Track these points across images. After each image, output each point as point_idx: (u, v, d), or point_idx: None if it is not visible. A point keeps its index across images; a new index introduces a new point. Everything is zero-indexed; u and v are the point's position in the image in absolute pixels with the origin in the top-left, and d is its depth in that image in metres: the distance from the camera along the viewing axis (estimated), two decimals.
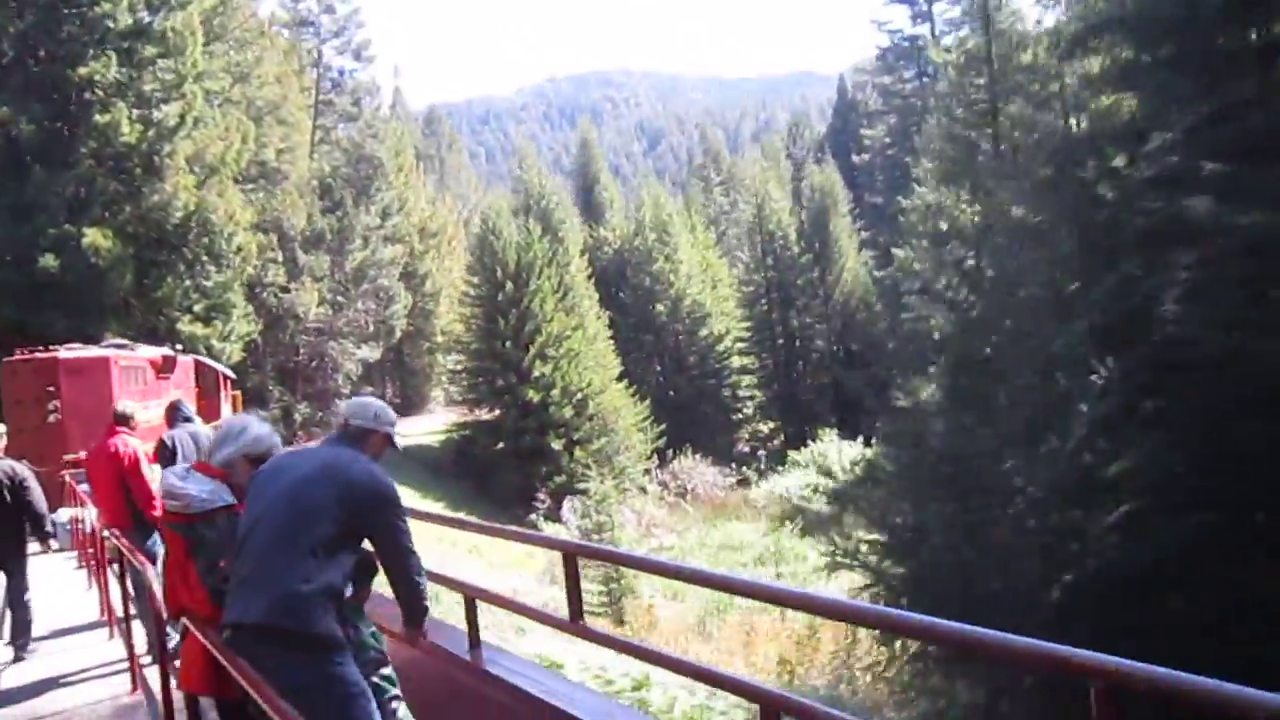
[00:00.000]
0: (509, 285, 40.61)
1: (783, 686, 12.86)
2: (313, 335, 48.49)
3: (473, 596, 5.58)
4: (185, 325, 35.71)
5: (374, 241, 50.52)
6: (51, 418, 16.15)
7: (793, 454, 46.47)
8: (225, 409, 26.36)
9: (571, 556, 4.88)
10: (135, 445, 7.76)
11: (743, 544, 36.49)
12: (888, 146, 79.74)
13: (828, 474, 44.04)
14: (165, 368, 21.55)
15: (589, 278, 46.12)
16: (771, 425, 53.52)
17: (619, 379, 44.03)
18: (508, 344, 40.20)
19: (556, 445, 39.87)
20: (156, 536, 6.96)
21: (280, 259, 43.25)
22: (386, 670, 4.21)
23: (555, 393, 40.05)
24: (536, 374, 40.08)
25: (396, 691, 4.23)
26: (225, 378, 28.30)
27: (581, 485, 39.76)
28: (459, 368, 45.30)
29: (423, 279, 58.57)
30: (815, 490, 42.79)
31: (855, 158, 74.41)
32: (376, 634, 4.27)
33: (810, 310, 53.86)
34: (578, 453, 40.10)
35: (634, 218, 54.81)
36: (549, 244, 43.23)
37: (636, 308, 50.54)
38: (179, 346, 25.41)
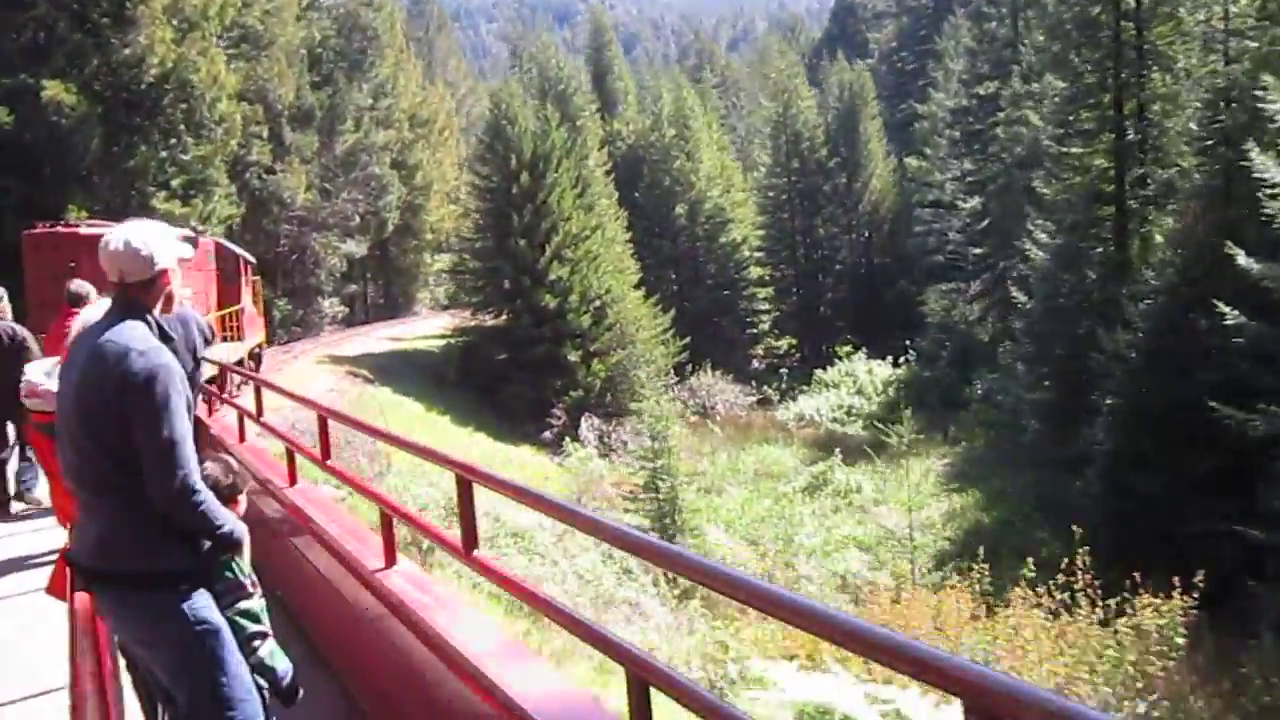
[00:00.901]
0: (524, 177, 36.28)
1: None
2: (295, 226, 44.00)
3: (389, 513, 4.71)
4: (160, 202, 31.38)
5: (366, 124, 45.74)
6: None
7: (819, 373, 43.09)
8: (245, 294, 25.34)
9: (466, 482, 3.86)
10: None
11: (781, 470, 33.20)
12: (895, 51, 75.44)
13: (860, 393, 40.77)
14: None
15: (606, 173, 41.66)
16: (789, 342, 50.04)
17: (637, 287, 40.04)
18: (521, 242, 36.00)
19: (573, 357, 36.08)
20: None
21: (265, 136, 38.50)
22: (247, 604, 3.46)
23: (573, 298, 36.12)
24: (553, 277, 36.06)
25: (260, 628, 3.49)
26: (245, 262, 26.54)
27: (595, 400, 36.50)
28: (461, 268, 40.99)
29: (412, 170, 53.75)
30: (848, 413, 39.53)
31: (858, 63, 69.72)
32: (234, 562, 3.43)
33: (836, 220, 49.83)
34: (595, 365, 36.38)
35: (650, 111, 50.10)
36: (567, 133, 38.75)
37: (652, 209, 46.35)
38: (200, 227, 23.95)
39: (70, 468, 3.16)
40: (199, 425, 8.73)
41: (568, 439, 34.27)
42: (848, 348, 46.80)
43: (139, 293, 3.18)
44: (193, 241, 16.79)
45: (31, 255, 16.83)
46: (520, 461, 32.16)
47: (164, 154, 32.35)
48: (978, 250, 43.69)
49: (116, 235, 3.21)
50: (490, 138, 38.66)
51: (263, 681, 3.40)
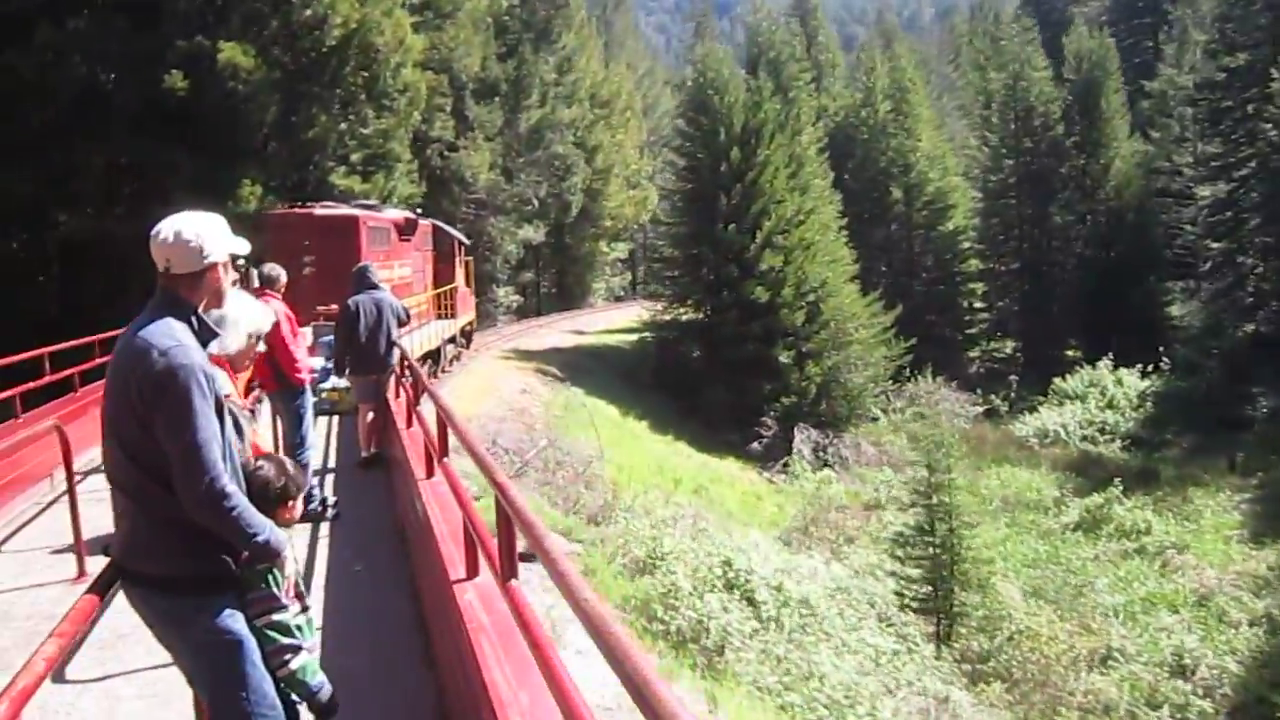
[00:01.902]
0: (734, 153, 31.97)
1: None
2: (473, 209, 40.87)
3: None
4: (340, 178, 28.45)
5: (551, 99, 42.28)
6: (306, 270, 16.38)
7: (1058, 382, 37.33)
8: (459, 273, 26.06)
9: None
10: (278, 307, 7.74)
11: (1036, 499, 27.94)
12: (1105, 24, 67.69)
13: (1111, 407, 34.92)
14: (407, 230, 21.14)
15: (819, 151, 36.87)
16: (1011, 346, 44.24)
17: (852, 280, 35.22)
18: (730, 227, 31.70)
19: (785, 358, 31.63)
20: (305, 398, 8.11)
21: (448, 110, 35.34)
22: (279, 616, 3.23)
23: (786, 291, 31.62)
24: (764, 267, 31.64)
25: (291, 641, 3.24)
26: (460, 243, 27.32)
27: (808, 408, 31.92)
28: (656, 256, 36.95)
29: (593, 153, 50.00)
30: (1101, 430, 33.76)
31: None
32: (272, 572, 3.20)
33: (1071, 206, 43.58)
34: (810, 368, 31.81)
35: (861, 84, 44.89)
36: (780, 105, 34.21)
37: (863, 192, 41.29)
38: (419, 210, 23.60)
39: (105, 462, 3.08)
40: (386, 409, 9.33)
41: (787, 455, 29.90)
42: (1076, 352, 40.97)
43: (183, 287, 3.05)
44: (413, 224, 20.40)
45: (275, 234, 17.40)
46: (727, 476, 28.02)
47: (343, 126, 29.43)
48: (1217, 244, 37.48)
49: (168, 225, 3.11)
50: (694, 110, 34.49)
51: (295, 697, 3.30)
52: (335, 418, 12.55)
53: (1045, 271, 43.40)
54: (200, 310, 3.08)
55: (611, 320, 45.12)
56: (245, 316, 3.91)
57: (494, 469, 3.84)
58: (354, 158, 29.69)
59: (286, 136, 28.60)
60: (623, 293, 66.35)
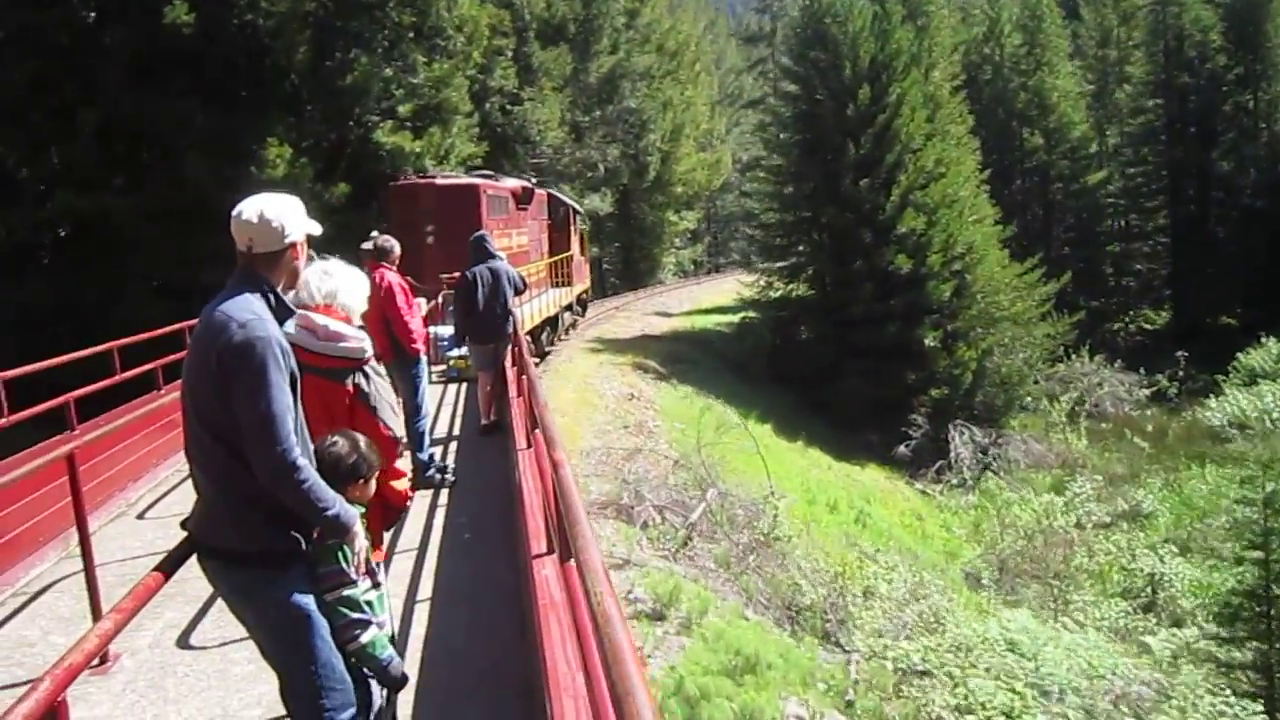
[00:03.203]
0: (863, 92, 26.09)
1: None
2: (532, 175, 35.34)
3: None
4: (385, 135, 23.12)
5: (624, 45, 36.51)
6: (429, 239, 16.79)
7: (1242, 357, 31.21)
8: (574, 242, 25.73)
9: None
10: (393, 279, 8.01)
11: None
12: None
13: None
14: (524, 199, 20.78)
15: (954, 90, 30.68)
16: (1164, 314, 37.98)
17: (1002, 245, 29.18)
18: (862, 183, 25.86)
19: (931, 340, 25.82)
20: (421, 367, 8.21)
21: (510, 54, 29.78)
22: (349, 591, 3.26)
23: (933, 259, 25.76)
24: (903, 229, 25.81)
25: (360, 616, 3.29)
26: (574, 212, 26.85)
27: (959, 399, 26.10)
28: (757, 221, 31.13)
29: (661, 110, 43.97)
30: None
31: None
32: (342, 548, 3.24)
33: (1238, 150, 37.01)
34: (962, 352, 25.99)
35: (984, 14, 38.51)
36: (912, 34, 28.18)
37: (995, 141, 34.98)
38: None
39: (185, 440, 3.12)
40: (502, 377, 9.43)
41: (942, 460, 24.26)
42: (1233, 321, 34.76)
43: (263, 265, 3.11)
44: (530, 192, 21.17)
45: (395, 203, 17.84)
46: (879, 491, 22.43)
47: (389, 71, 24.01)
48: None
49: (251, 205, 3.14)
50: (805, 44, 28.58)
51: (367, 670, 3.34)
52: (463, 384, 12.90)
53: (1205, 228, 36.93)
54: (279, 289, 3.13)
55: (696, 298, 39.53)
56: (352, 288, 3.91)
57: (553, 445, 3.95)
58: (402, 110, 24.27)
59: (320, 85, 23.22)
60: (692, 267, 60.73)
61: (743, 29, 73.84)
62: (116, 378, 9.82)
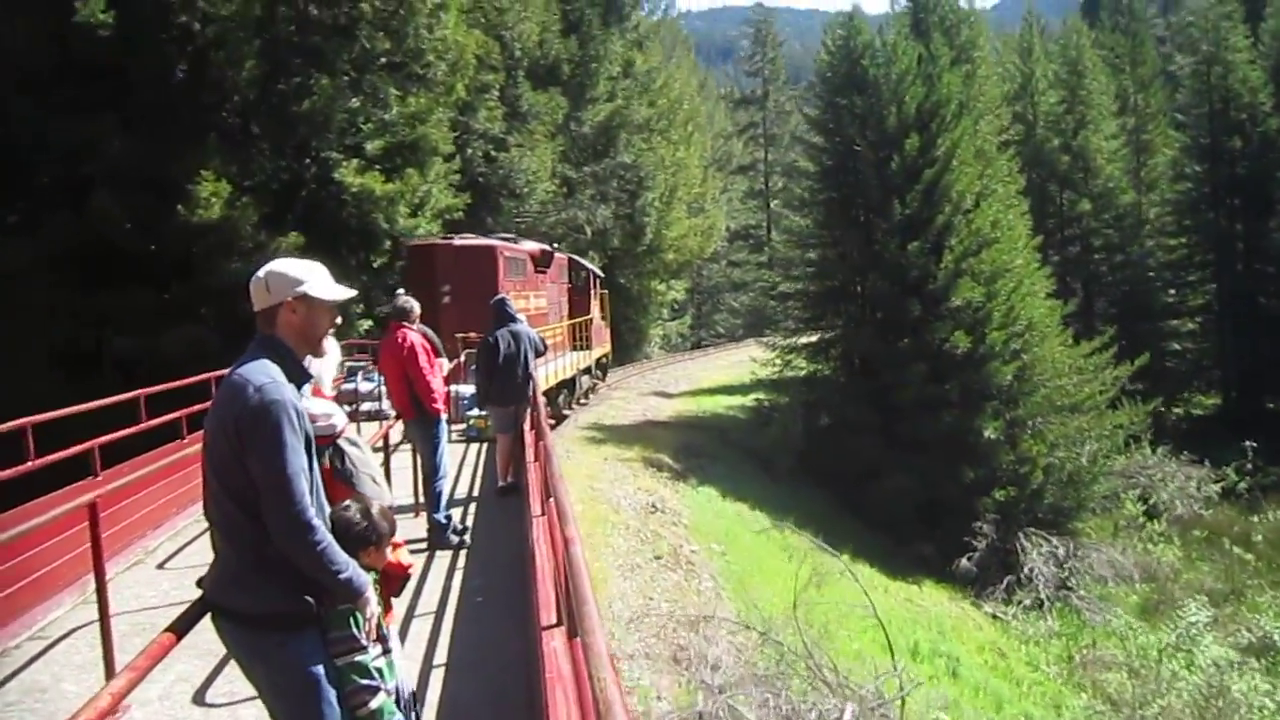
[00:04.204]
0: (911, 142, 22.38)
1: None
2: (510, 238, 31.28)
3: None
4: (349, 175, 18.78)
5: (623, 93, 32.78)
6: (445, 300, 16.80)
7: None
8: (594, 306, 25.23)
9: None
10: (414, 339, 8.11)
11: None
12: None
13: None
14: (542, 261, 20.77)
15: (1003, 146, 27.04)
16: (1214, 398, 34.28)
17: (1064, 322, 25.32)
18: (911, 246, 22.01)
19: (991, 432, 21.78)
20: (441, 427, 8.37)
21: (497, 93, 25.90)
22: (360, 657, 3.26)
23: (994, 336, 21.85)
24: (957, 302, 21.93)
25: (369, 682, 3.28)
26: (595, 276, 26.49)
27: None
28: (780, 289, 27.14)
29: (657, 167, 40.12)
30: None
31: None
32: (355, 613, 3.24)
33: None
34: (1029, 445, 22.00)
35: (1019, 69, 35.09)
36: (963, 81, 24.62)
37: (1037, 206, 31.33)
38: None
39: (204, 499, 3.20)
40: (520, 440, 9.39)
41: (1011, 576, 20.13)
42: None
43: (262, 324, 3.22)
44: (549, 255, 21.63)
45: (412, 263, 18.22)
46: (944, 617, 18.32)
47: (355, 101, 19.99)
48: None
49: (264, 266, 3.28)
50: (836, 90, 24.91)
51: None
52: (483, 444, 13.30)
53: (1256, 303, 33.38)
54: (296, 355, 3.21)
55: (693, 376, 35.38)
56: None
57: (565, 520, 4.06)
58: (371, 147, 20.19)
59: (271, 110, 19.15)
60: (679, 340, 56.67)
61: (731, 92, 71.02)
62: (142, 425, 9.70)
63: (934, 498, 21.60)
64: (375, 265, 21.09)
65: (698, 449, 21.79)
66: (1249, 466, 28.75)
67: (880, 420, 22.46)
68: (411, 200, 20.55)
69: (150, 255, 17.78)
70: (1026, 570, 20.56)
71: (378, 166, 19.85)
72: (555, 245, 23.71)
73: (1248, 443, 28.99)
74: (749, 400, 27.93)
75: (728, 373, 37.01)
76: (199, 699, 5.13)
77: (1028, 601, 20.24)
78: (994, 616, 19.85)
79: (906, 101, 22.88)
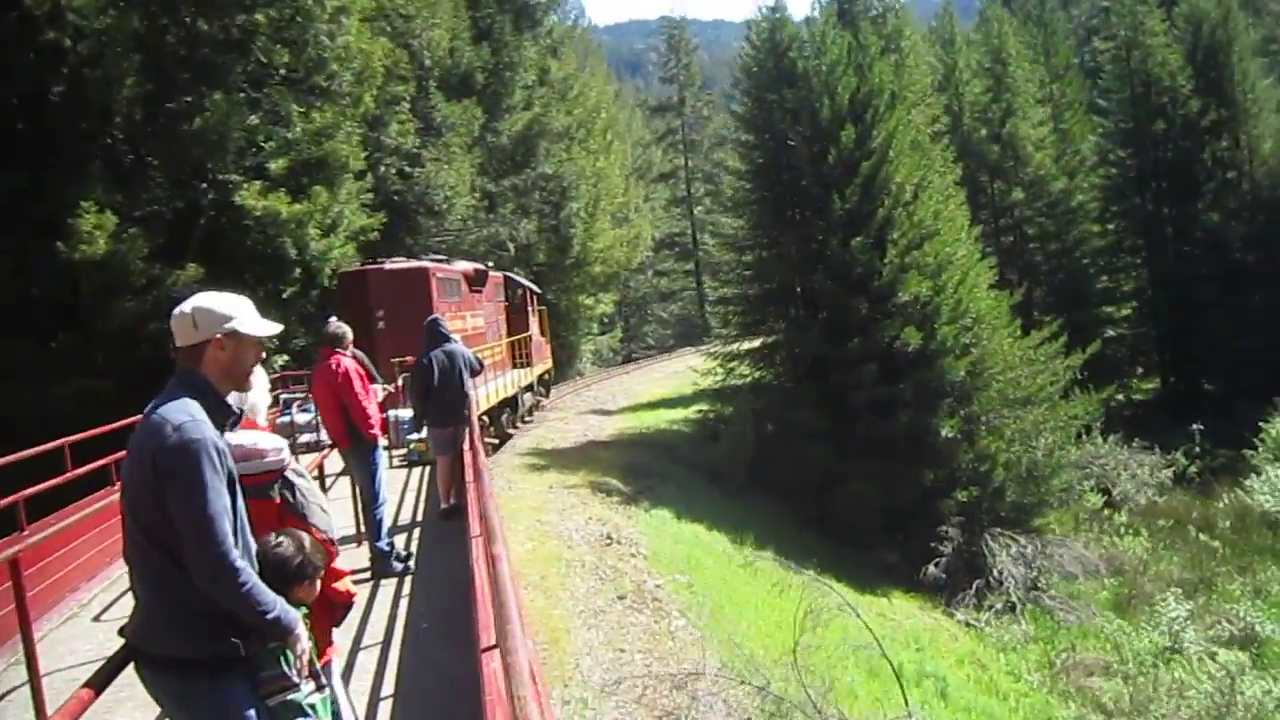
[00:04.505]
0: (847, 133, 21.51)
1: None
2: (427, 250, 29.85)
3: None
4: (249, 197, 17.16)
5: (539, 101, 31.47)
6: (380, 325, 16.75)
7: (1271, 427, 27.23)
8: (533, 323, 25.68)
9: None
10: (348, 365, 8.00)
11: None
12: None
13: None
14: (477, 281, 20.75)
15: (937, 136, 26.31)
16: (1150, 382, 34.09)
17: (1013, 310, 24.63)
18: (854, 242, 21.09)
19: (949, 430, 20.92)
20: (378, 454, 8.26)
21: (408, 106, 24.48)
22: (293, 695, 3.17)
23: (944, 332, 21.02)
24: (905, 298, 21.08)
25: None
26: (532, 293, 26.58)
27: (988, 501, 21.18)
28: (721, 293, 26.02)
29: (575, 180, 38.81)
30: None
31: None
32: (285, 652, 3.16)
33: (1222, 202, 33.61)
34: (987, 443, 21.20)
35: (941, 61, 34.57)
36: (893, 71, 23.84)
37: (972, 194, 30.68)
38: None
39: (124, 544, 3.10)
40: (460, 460, 9.19)
41: (979, 579, 19.28)
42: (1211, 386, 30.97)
43: (186, 359, 3.13)
44: (483, 274, 21.47)
45: (344, 290, 17.96)
46: (919, 630, 17.43)
47: (254, 118, 18.42)
48: None
49: (185, 302, 3.18)
50: (763, 84, 23.97)
51: None
52: (426, 468, 12.95)
53: (1189, 287, 33.21)
54: (219, 392, 3.11)
55: (631, 391, 34.10)
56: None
57: (493, 539, 4.21)
58: (274, 166, 18.60)
59: (158, 131, 17.50)
60: (611, 354, 55.34)
61: (647, 101, 70.16)
62: (68, 475, 9.41)
63: (895, 503, 20.65)
64: (285, 295, 19.51)
65: (646, 468, 20.52)
66: (1197, 450, 28.49)
67: (832, 425, 21.44)
68: (322, 222, 19.04)
69: (30, 301, 16.05)
70: (996, 572, 19.74)
71: (283, 188, 18.29)
72: (489, 265, 23.59)
73: (1195, 426, 28.73)
74: (691, 413, 26.76)
75: (664, 385, 35.85)
76: None
77: (999, 605, 19.39)
78: (967, 624, 18.97)
79: (839, 92, 21.99)
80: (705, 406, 25.89)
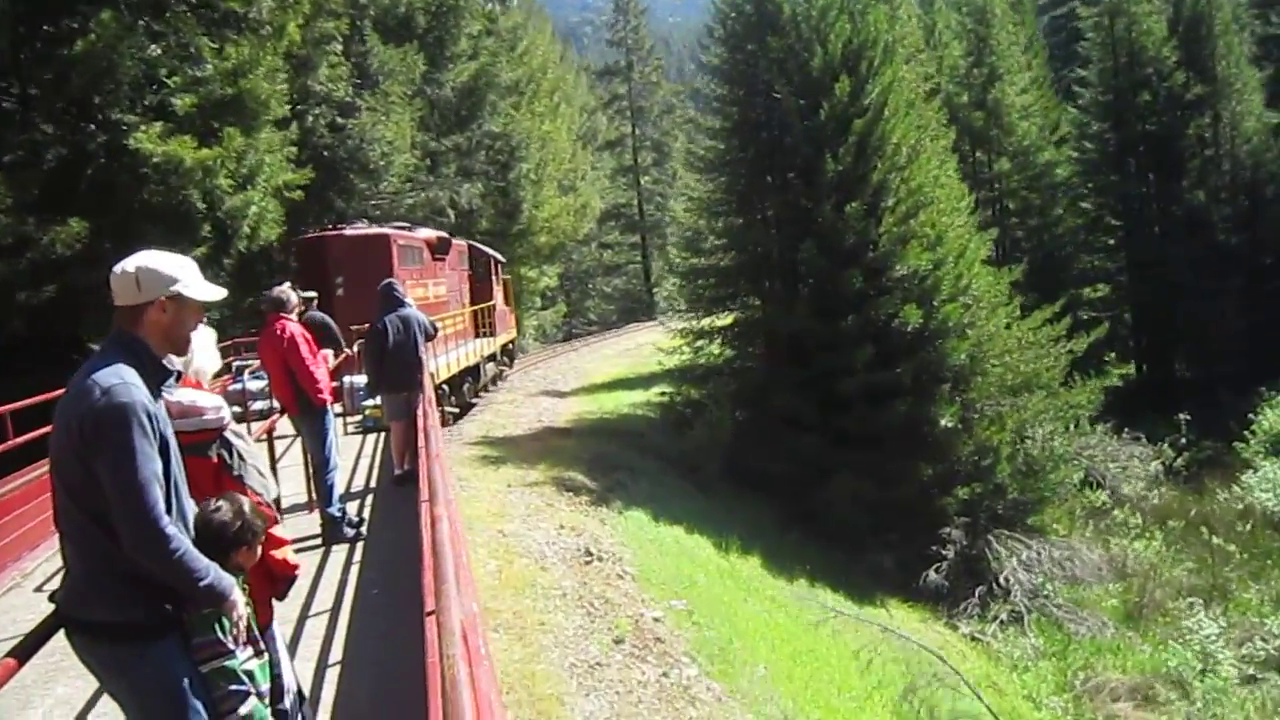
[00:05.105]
0: (842, 85, 19.18)
1: None
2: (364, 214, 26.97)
3: None
4: (148, 142, 14.14)
5: (486, 51, 28.60)
6: (339, 291, 16.64)
7: (1262, 418, 25.80)
8: (497, 292, 25.27)
9: None
10: (294, 329, 7.87)
11: None
12: None
13: None
14: (440, 249, 20.51)
15: (929, 96, 24.07)
16: (1124, 368, 32.58)
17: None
18: (849, 207, 18.79)
19: (948, 420, 18.80)
20: (328, 419, 8.07)
21: (340, 48, 21.55)
22: (228, 662, 3.09)
23: (943, 312, 18.86)
24: (902, 271, 18.87)
25: (239, 687, 3.11)
26: (496, 262, 26.23)
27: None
28: (686, 264, 23.49)
29: (524, 140, 35.86)
30: None
31: None
32: (220, 618, 3.07)
33: (1205, 180, 32.00)
34: (989, 433, 19.14)
35: (921, 21, 32.40)
36: (888, 21, 21.54)
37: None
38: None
39: (53, 511, 3.00)
40: (414, 426, 8.90)
41: (983, 585, 17.27)
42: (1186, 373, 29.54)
43: (125, 321, 3.00)
44: (446, 242, 21.26)
45: (301, 258, 18.24)
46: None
47: (154, 47, 15.47)
48: None
49: (127, 260, 3.04)
50: (742, 35, 21.52)
51: None
52: (381, 434, 12.54)
53: (1170, 269, 31.63)
54: (156, 355, 3.00)
55: (583, 371, 31.59)
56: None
57: (434, 500, 4.17)
58: (177, 103, 15.60)
59: (34, 60, 14.52)
60: (555, 331, 52.57)
61: (592, 65, 67.26)
62: (8, 443, 8.84)
63: (888, 500, 18.48)
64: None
65: (612, 460, 18.04)
66: (1183, 440, 26.94)
67: (818, 412, 19.16)
68: (236, 171, 16.13)
69: None
70: (1002, 578, 17.72)
71: (189, 132, 15.31)
72: (450, 234, 23.13)
73: (1182, 416, 27.18)
74: (654, 395, 24.33)
75: (617, 364, 33.46)
76: None
77: (1004, 615, 17.40)
78: (973, 639, 16.94)
79: (831, 40, 19.65)
80: (669, 389, 23.47)
